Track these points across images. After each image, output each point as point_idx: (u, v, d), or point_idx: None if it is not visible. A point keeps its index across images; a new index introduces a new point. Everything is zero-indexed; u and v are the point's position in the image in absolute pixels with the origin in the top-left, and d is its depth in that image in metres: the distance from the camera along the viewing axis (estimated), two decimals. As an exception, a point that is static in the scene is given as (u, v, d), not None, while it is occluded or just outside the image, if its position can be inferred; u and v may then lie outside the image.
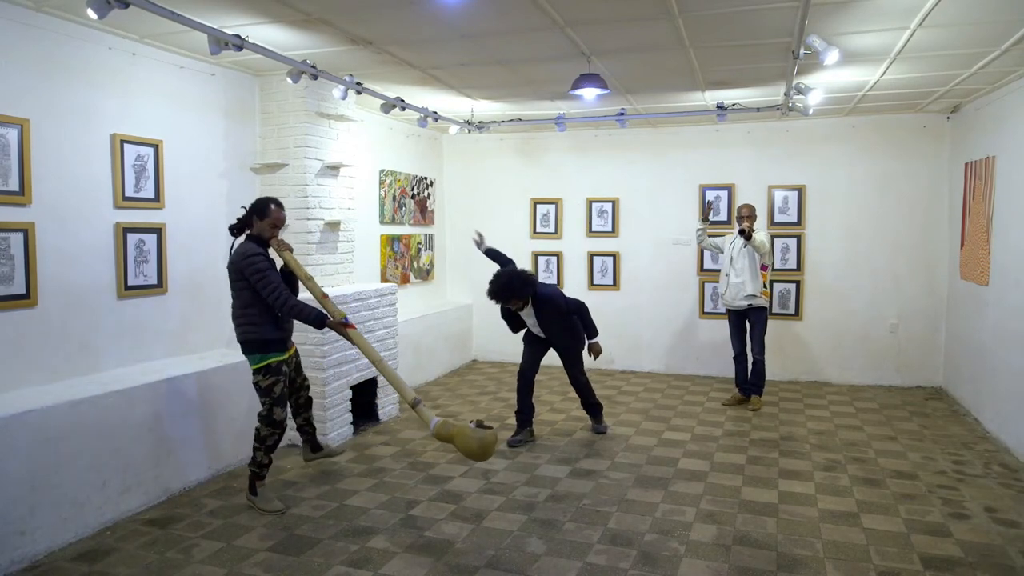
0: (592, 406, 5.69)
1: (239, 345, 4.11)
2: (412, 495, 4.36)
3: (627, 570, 3.41)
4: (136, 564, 3.47)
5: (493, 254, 5.58)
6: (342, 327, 4.05)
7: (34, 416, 3.49)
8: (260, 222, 4.06)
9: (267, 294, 3.92)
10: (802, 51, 4.28)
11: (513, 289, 5.06)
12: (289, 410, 4.43)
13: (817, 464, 4.90)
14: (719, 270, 7.86)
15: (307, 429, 4.60)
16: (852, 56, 4.73)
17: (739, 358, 6.51)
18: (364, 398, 5.91)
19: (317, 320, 3.99)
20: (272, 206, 4.07)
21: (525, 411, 5.42)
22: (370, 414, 5.99)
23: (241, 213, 4.14)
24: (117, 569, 3.42)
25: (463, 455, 3.92)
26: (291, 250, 4.14)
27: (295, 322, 4.21)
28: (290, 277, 4.17)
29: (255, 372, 4.08)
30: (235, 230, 4.14)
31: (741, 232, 6.10)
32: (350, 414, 5.56)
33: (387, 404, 6.13)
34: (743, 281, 6.25)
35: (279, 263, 4.18)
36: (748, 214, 6.25)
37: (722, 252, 6.58)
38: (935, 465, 4.86)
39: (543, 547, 3.65)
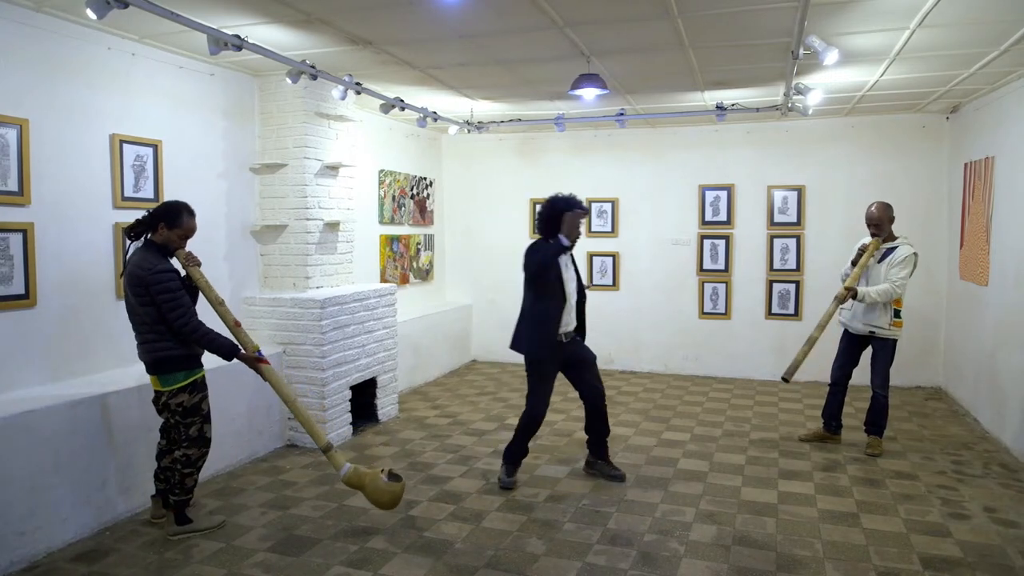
0: (605, 430, 4.66)
1: (146, 365, 3.65)
2: (412, 495, 4.35)
3: (627, 570, 3.41)
4: (136, 564, 3.47)
5: None
6: (254, 361, 3.70)
7: (34, 416, 3.49)
8: (168, 231, 3.60)
9: (175, 318, 3.53)
10: (801, 51, 4.28)
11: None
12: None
13: (817, 464, 4.90)
14: (719, 270, 7.96)
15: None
16: (851, 56, 4.73)
17: (834, 388, 5.28)
18: (363, 399, 5.91)
19: (228, 352, 3.64)
20: (186, 215, 3.64)
21: (524, 453, 4.59)
22: (369, 414, 5.98)
23: (142, 215, 3.67)
24: (117, 569, 3.42)
25: (371, 503, 3.84)
26: (199, 265, 3.74)
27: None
28: (191, 291, 3.74)
29: (180, 391, 3.65)
30: (133, 234, 3.63)
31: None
32: (349, 414, 5.56)
33: (386, 404, 6.13)
34: (870, 302, 4.96)
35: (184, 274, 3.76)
36: (878, 219, 4.96)
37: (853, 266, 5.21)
38: (935, 465, 4.86)
39: (543, 547, 3.65)
